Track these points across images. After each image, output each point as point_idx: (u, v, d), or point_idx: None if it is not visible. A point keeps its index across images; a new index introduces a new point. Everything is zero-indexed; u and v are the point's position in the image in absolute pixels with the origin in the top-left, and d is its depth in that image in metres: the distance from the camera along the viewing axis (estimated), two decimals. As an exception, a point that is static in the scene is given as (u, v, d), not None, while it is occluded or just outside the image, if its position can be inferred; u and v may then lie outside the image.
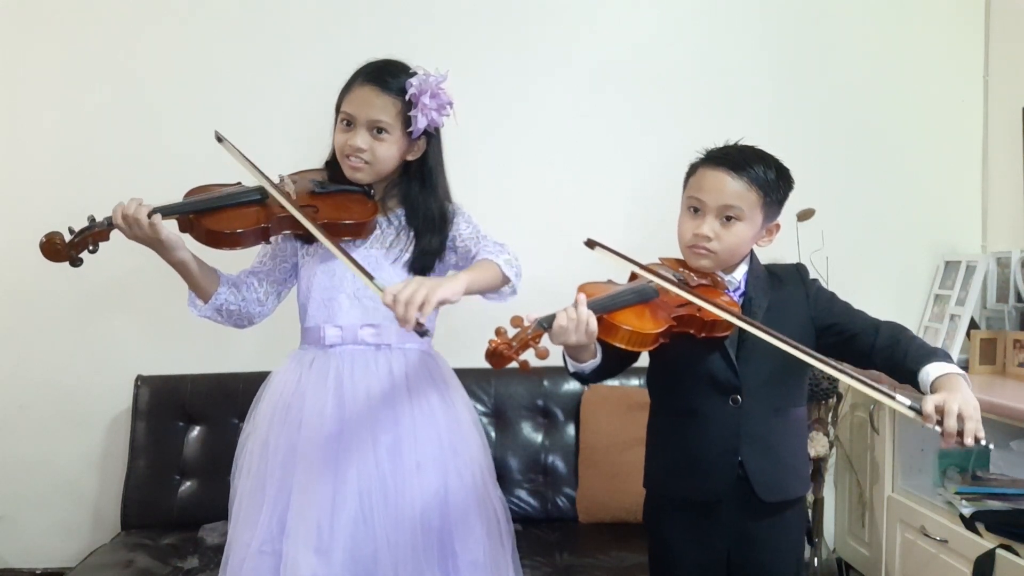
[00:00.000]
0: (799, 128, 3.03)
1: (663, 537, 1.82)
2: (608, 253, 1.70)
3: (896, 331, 1.70)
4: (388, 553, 1.77)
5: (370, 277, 1.66)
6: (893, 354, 1.66)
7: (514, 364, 1.45)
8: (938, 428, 1.46)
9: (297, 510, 1.77)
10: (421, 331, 1.60)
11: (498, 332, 1.46)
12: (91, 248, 1.76)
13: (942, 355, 1.63)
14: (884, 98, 3.09)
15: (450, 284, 1.66)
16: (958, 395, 1.48)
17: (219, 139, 1.90)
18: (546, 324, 1.50)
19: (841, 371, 1.57)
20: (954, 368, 1.58)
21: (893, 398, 1.51)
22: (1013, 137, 2.92)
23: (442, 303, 1.62)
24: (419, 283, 1.61)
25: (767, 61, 3.07)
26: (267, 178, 1.83)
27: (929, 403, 1.47)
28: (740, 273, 1.78)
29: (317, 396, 1.84)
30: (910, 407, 1.49)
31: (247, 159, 1.85)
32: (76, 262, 1.76)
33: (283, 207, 1.78)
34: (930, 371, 1.58)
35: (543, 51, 3.02)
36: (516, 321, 1.49)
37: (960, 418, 1.45)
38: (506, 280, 1.80)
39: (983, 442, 1.45)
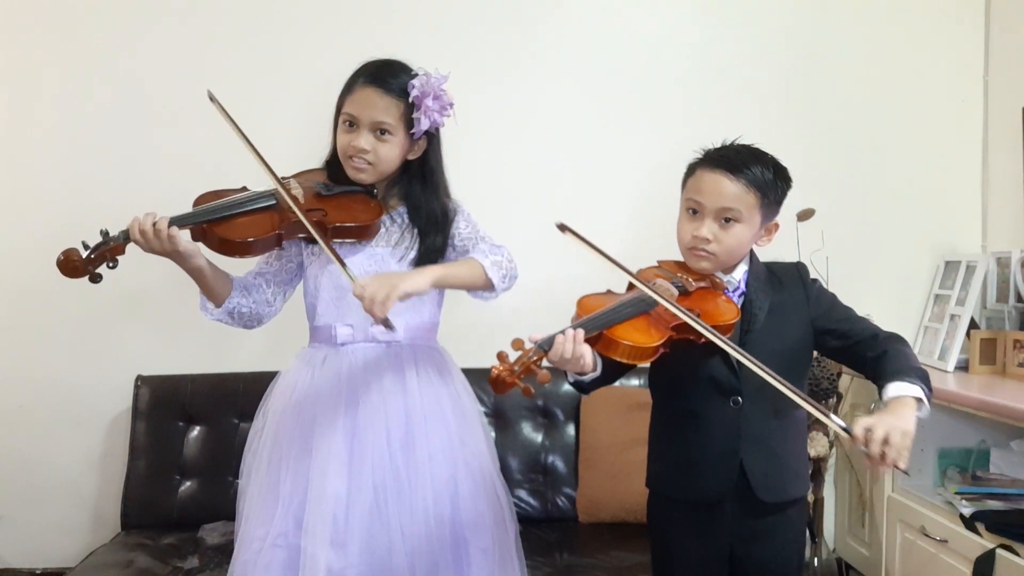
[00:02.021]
0: (799, 128, 3.03)
1: (666, 535, 1.82)
2: (578, 241, 1.64)
3: (888, 343, 1.70)
4: (403, 544, 1.80)
5: (343, 265, 1.74)
6: (876, 367, 1.67)
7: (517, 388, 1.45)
8: (864, 450, 1.49)
9: (313, 505, 1.79)
10: (387, 325, 1.68)
11: (500, 357, 1.45)
12: (110, 264, 1.74)
13: (912, 373, 1.61)
14: (884, 98, 3.08)
15: (415, 278, 1.72)
16: (890, 420, 1.50)
17: (211, 98, 1.87)
18: (546, 346, 1.49)
19: (802, 397, 1.57)
20: (912, 390, 1.57)
21: (828, 416, 1.54)
22: (1013, 137, 2.91)
23: (406, 297, 1.69)
24: (385, 278, 1.68)
25: (767, 61, 3.06)
26: (254, 147, 1.83)
27: (859, 426, 1.50)
28: (740, 273, 1.78)
29: (330, 394, 1.86)
30: (843, 428, 1.52)
31: (236, 124, 1.84)
32: (96, 278, 1.74)
33: (294, 211, 1.78)
34: (889, 390, 1.59)
35: (543, 50, 3.02)
36: (517, 344, 1.48)
37: (885, 444, 1.47)
38: (488, 281, 1.82)
39: (904, 470, 1.49)
